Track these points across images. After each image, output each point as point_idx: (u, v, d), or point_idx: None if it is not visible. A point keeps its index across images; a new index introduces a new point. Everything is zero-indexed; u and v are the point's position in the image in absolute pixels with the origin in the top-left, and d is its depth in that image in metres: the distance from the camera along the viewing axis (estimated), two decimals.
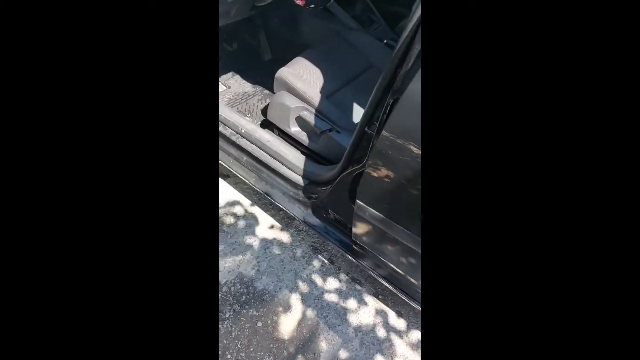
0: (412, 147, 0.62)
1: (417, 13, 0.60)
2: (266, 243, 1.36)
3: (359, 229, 0.89)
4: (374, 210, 0.78)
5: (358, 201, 0.81)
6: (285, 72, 1.19)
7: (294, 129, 1.20)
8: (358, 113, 1.19)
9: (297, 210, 1.14)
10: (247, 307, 1.19)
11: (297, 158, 1.14)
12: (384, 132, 0.65)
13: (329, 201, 1.01)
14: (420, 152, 0.62)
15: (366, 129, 0.78)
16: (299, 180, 1.12)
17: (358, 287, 1.27)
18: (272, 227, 1.41)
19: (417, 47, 0.61)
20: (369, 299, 1.24)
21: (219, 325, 1.15)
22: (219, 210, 1.44)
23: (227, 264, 1.30)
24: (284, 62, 1.71)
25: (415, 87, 0.59)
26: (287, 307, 1.20)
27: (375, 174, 0.71)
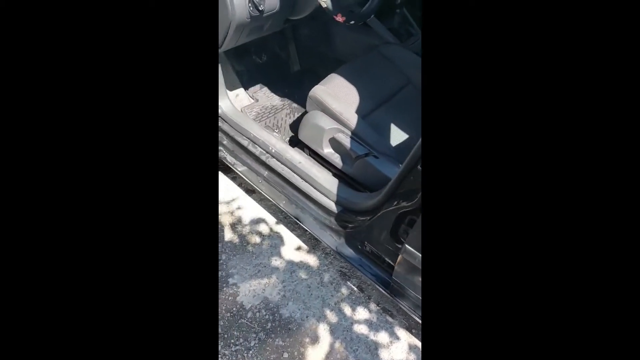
0: None
1: None
2: (292, 266, 1.31)
3: (405, 271, 0.82)
4: None
5: (407, 245, 0.74)
6: (319, 91, 1.13)
7: (327, 151, 1.14)
8: (396, 135, 1.12)
9: (329, 239, 1.08)
10: (272, 335, 1.14)
11: (329, 182, 1.08)
12: None
13: (368, 234, 0.94)
14: None
15: (419, 166, 0.71)
16: (332, 206, 1.06)
17: (390, 319, 1.19)
18: (298, 248, 1.36)
19: None
20: (402, 333, 1.16)
21: (244, 355, 1.10)
22: (244, 229, 1.40)
23: (252, 287, 1.25)
24: (312, 73, 1.66)
25: None
26: (315, 338, 1.14)
27: None
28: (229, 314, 1.18)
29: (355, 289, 1.26)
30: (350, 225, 1.00)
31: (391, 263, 0.89)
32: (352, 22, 1.09)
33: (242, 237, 1.38)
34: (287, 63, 1.67)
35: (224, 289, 1.24)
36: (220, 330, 1.15)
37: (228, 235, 1.38)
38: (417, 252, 0.73)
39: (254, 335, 1.14)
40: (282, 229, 1.40)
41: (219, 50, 1.17)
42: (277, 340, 1.13)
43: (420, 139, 0.71)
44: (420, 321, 0.95)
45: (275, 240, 1.37)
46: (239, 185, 1.53)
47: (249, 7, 1.04)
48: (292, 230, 1.40)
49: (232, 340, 1.13)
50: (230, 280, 1.26)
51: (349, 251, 1.03)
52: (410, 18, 1.42)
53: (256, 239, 1.37)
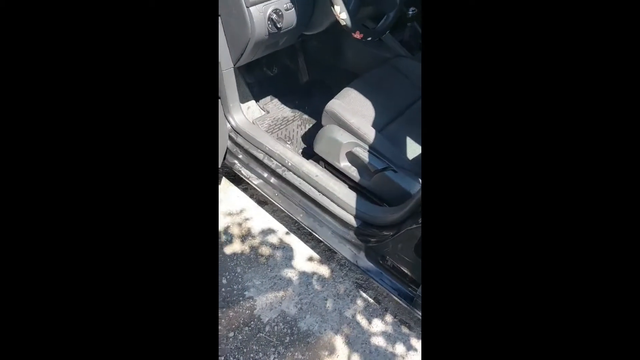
0: None
1: None
2: (308, 278, 1.31)
3: None
4: None
5: None
6: (335, 105, 1.14)
7: (344, 164, 1.15)
8: (412, 149, 1.13)
9: (348, 252, 1.09)
10: (291, 349, 1.14)
11: (348, 195, 1.09)
12: None
13: (390, 249, 0.95)
14: None
15: None
16: (351, 220, 1.06)
17: (407, 330, 1.20)
18: (313, 260, 1.36)
19: None
20: (420, 344, 1.17)
21: None
22: (258, 241, 1.40)
23: (269, 300, 1.25)
24: (321, 84, 1.67)
25: None
26: (334, 351, 1.15)
27: None
28: (247, 328, 1.18)
29: (372, 300, 1.26)
30: (372, 239, 1.01)
31: (414, 278, 0.90)
32: (369, 38, 1.11)
33: (256, 249, 1.38)
34: (296, 75, 1.69)
35: (241, 302, 1.24)
36: (239, 344, 1.15)
37: (242, 247, 1.38)
38: None
39: (273, 349, 1.14)
40: (295, 241, 1.41)
41: (235, 66, 1.18)
42: (296, 354, 1.14)
43: None
44: None
45: (290, 252, 1.38)
46: (251, 196, 1.53)
47: (268, 25, 1.05)
48: (306, 242, 1.40)
49: (252, 355, 1.13)
50: (247, 294, 1.26)
51: (368, 265, 1.04)
52: (420, 30, 1.44)
53: (270, 251, 1.37)
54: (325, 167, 1.24)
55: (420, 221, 0.82)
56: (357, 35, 1.05)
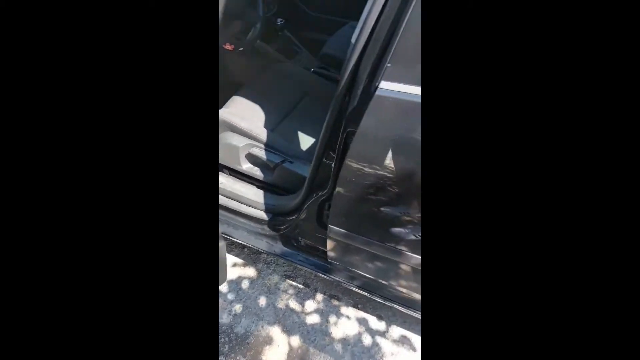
0: (376, 169, 0.71)
1: (353, 58, 0.69)
2: (236, 285, 1.34)
3: (336, 251, 0.95)
4: (347, 231, 0.85)
5: (330, 225, 0.86)
6: (225, 113, 1.21)
7: (246, 166, 1.22)
8: (304, 141, 1.26)
9: (265, 245, 1.16)
10: (232, 355, 1.16)
11: (255, 194, 1.16)
12: (347, 161, 0.72)
13: (299, 229, 1.05)
14: (382, 172, 0.70)
15: (324, 159, 0.85)
16: (262, 215, 1.14)
17: (337, 302, 1.32)
18: (237, 265, 1.39)
19: (359, 88, 0.70)
20: (350, 311, 1.30)
21: None
22: None
23: None
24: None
25: (367, 121, 0.68)
26: (273, 342, 1.19)
27: (344, 198, 0.78)
28: None
29: (301, 286, 1.35)
30: (283, 227, 1.09)
31: (324, 249, 1.01)
32: (241, 48, 1.20)
33: None
34: None
35: None
36: None
37: None
38: (338, 228, 0.86)
39: None
40: None
41: None
42: (238, 357, 1.15)
43: (320, 139, 0.85)
44: (357, 290, 1.09)
45: None
46: None
47: None
48: (229, 252, 1.42)
49: None
50: None
51: (285, 250, 1.12)
52: (293, 38, 1.61)
53: None
54: (230, 175, 1.29)
55: (315, 195, 0.93)
56: (228, 46, 1.13)
